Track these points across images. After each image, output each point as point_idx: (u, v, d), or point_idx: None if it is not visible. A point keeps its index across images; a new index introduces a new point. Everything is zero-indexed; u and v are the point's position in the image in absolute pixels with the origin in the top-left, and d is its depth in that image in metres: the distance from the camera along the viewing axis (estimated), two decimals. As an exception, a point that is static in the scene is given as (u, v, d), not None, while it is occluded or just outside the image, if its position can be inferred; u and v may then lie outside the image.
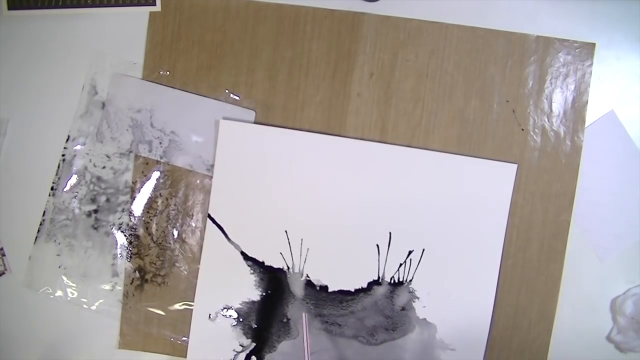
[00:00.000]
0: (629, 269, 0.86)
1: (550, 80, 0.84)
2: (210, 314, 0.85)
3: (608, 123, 0.85)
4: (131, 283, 0.86)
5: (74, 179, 0.86)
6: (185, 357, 0.86)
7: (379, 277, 0.84)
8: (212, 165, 0.85)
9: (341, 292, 0.85)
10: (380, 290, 0.85)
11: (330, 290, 0.85)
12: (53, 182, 0.86)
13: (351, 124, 0.84)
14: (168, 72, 0.85)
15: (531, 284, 0.85)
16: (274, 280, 0.85)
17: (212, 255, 0.85)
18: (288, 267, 0.85)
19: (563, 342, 0.85)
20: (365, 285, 0.85)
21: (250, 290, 0.85)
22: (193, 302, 0.86)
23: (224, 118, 0.84)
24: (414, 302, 0.84)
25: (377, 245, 0.84)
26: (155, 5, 0.85)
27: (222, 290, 0.85)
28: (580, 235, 0.85)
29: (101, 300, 0.86)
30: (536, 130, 0.84)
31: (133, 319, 0.86)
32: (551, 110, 0.84)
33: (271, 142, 0.84)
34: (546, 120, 0.84)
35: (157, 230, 0.86)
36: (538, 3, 0.85)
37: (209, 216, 0.85)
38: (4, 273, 0.87)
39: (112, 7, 0.85)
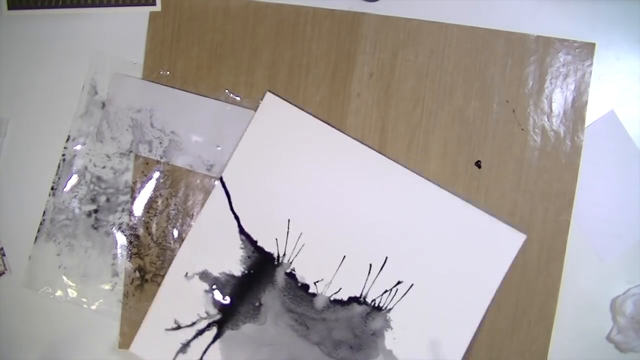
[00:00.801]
0: (629, 269, 0.86)
1: (550, 80, 0.84)
2: (187, 272, 0.85)
3: (608, 123, 0.85)
4: (131, 283, 0.86)
5: (74, 179, 0.86)
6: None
7: (361, 295, 0.84)
8: (212, 165, 0.85)
9: (320, 297, 0.85)
10: (357, 309, 0.84)
11: (310, 291, 0.84)
12: (53, 182, 0.86)
13: (351, 123, 0.84)
14: (168, 72, 0.85)
15: (531, 284, 0.85)
16: (260, 262, 0.84)
17: (210, 218, 0.85)
18: (278, 255, 0.84)
19: (563, 342, 0.85)
20: (345, 299, 0.84)
21: (234, 264, 0.85)
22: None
23: (225, 119, 0.84)
24: (386, 330, 0.84)
25: (370, 265, 0.84)
26: (155, 5, 0.85)
27: (206, 255, 0.85)
28: (580, 235, 0.85)
29: (101, 300, 0.86)
30: (536, 130, 0.84)
31: (133, 319, 0.86)
32: (551, 110, 0.84)
33: (304, 130, 0.84)
34: (546, 120, 0.84)
35: (157, 230, 0.86)
36: (538, 3, 0.85)
37: (221, 179, 0.84)
38: (4, 273, 0.87)
39: (112, 7, 0.85)
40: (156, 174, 0.86)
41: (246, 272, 0.85)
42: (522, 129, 0.84)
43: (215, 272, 0.85)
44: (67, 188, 0.86)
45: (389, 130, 0.84)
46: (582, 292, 0.85)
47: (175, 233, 0.86)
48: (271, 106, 0.84)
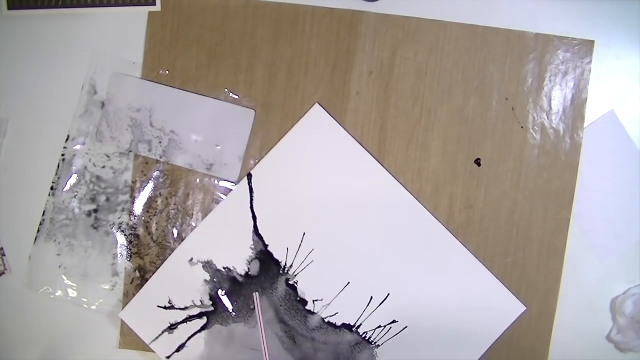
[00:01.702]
0: (629, 269, 0.86)
1: (549, 77, 0.84)
2: (192, 258, 0.85)
3: (608, 123, 0.85)
4: (131, 283, 0.86)
5: (73, 179, 0.86)
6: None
7: (354, 325, 0.85)
8: (212, 165, 0.85)
9: (315, 316, 0.85)
10: (348, 336, 0.85)
11: (307, 307, 0.85)
12: (53, 182, 0.86)
13: (350, 122, 0.85)
14: (167, 72, 0.85)
15: (531, 282, 0.85)
16: (265, 267, 0.85)
17: (229, 211, 0.85)
18: (285, 264, 0.85)
19: (563, 342, 0.85)
20: (339, 324, 0.85)
21: (240, 262, 0.85)
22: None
23: (225, 118, 0.84)
24: None
25: (371, 297, 0.84)
26: (155, 5, 0.85)
27: (216, 246, 0.85)
28: (580, 235, 0.85)
29: (101, 300, 0.86)
30: (536, 127, 0.84)
31: (133, 319, 0.86)
32: (551, 108, 0.84)
33: (340, 148, 0.84)
34: (545, 117, 0.84)
35: (157, 229, 0.86)
36: (538, 2, 0.85)
37: (249, 175, 0.85)
38: (4, 273, 0.87)
39: (111, 7, 0.85)
40: (156, 174, 0.86)
41: (250, 272, 0.85)
42: (522, 127, 0.84)
43: (220, 265, 0.85)
44: (67, 188, 0.86)
45: (388, 128, 0.84)
46: (582, 292, 0.85)
47: (175, 232, 0.86)
48: (316, 118, 0.85)
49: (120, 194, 0.86)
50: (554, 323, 0.85)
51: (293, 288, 0.85)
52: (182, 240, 0.86)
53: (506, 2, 0.85)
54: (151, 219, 0.86)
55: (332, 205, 0.84)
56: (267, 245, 0.85)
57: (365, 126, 0.85)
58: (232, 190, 0.85)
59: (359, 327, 0.84)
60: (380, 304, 0.84)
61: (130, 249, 0.86)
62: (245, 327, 0.85)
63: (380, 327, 0.84)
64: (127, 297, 0.86)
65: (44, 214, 0.86)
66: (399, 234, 0.84)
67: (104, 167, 0.86)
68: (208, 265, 0.85)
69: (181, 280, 0.85)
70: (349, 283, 0.84)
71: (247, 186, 0.85)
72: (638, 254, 0.86)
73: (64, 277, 0.86)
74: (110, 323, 0.87)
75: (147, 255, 0.86)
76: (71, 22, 0.86)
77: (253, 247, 0.85)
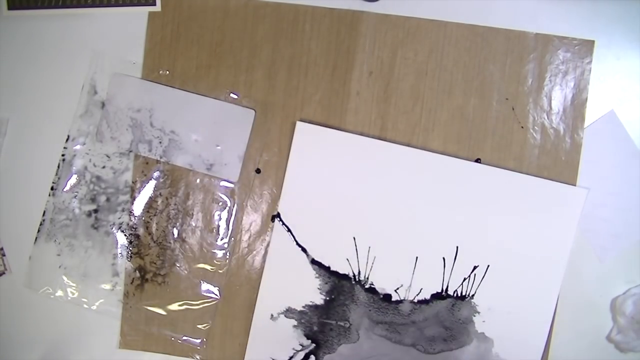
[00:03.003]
0: (629, 269, 0.86)
1: (549, 77, 0.84)
2: (272, 314, 0.85)
3: (608, 123, 0.85)
4: (131, 283, 0.86)
5: (74, 179, 0.86)
6: (186, 356, 0.86)
7: (442, 290, 0.85)
8: (212, 165, 0.85)
9: (404, 302, 0.85)
10: (442, 303, 0.85)
11: (393, 299, 0.85)
12: (53, 182, 0.86)
13: (350, 122, 0.85)
14: (167, 72, 0.85)
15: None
16: (338, 285, 0.85)
17: (278, 257, 0.85)
18: (354, 274, 0.85)
19: (563, 342, 0.85)
20: (428, 297, 0.85)
21: (314, 293, 0.85)
22: (193, 301, 0.86)
23: (225, 118, 0.84)
24: (474, 316, 0.85)
25: (443, 258, 0.84)
26: (155, 5, 0.85)
27: (285, 292, 0.85)
28: (580, 235, 0.85)
29: (101, 300, 0.86)
30: (536, 127, 0.84)
31: (133, 319, 0.86)
32: (551, 108, 0.84)
33: (345, 148, 0.84)
34: (546, 117, 0.84)
35: (157, 229, 0.86)
36: (538, 2, 0.85)
37: (279, 217, 0.85)
38: (4, 273, 0.87)
39: (111, 7, 0.85)
40: (156, 174, 0.86)
41: (327, 298, 0.85)
42: (522, 127, 0.84)
43: (299, 307, 0.85)
44: (67, 188, 0.86)
45: (388, 128, 0.84)
46: (582, 292, 0.85)
47: (175, 232, 0.86)
48: (304, 134, 0.85)
49: (120, 194, 0.86)
50: (554, 323, 0.85)
51: (372, 290, 0.85)
52: (183, 240, 0.86)
53: (506, 2, 0.85)
54: (151, 219, 0.86)
55: (363, 199, 0.84)
56: (328, 267, 0.85)
57: (365, 126, 0.85)
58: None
59: (447, 290, 0.85)
60: (455, 260, 0.84)
61: (130, 249, 0.86)
62: (349, 344, 0.85)
63: (465, 279, 0.84)
64: (127, 297, 0.86)
65: (44, 214, 0.86)
66: (431, 189, 0.84)
67: (104, 167, 0.86)
68: (289, 312, 0.85)
69: (273, 337, 0.85)
70: (417, 258, 0.84)
71: (283, 226, 0.85)
72: (638, 254, 0.86)
73: (64, 277, 0.86)
74: (110, 323, 0.86)
75: (147, 255, 0.86)
76: (71, 22, 0.86)
77: (317, 275, 0.85)
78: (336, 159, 0.84)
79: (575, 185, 0.84)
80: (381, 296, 0.85)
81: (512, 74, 0.84)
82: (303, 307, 0.85)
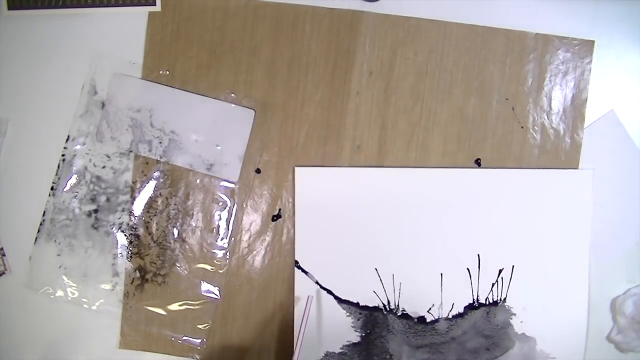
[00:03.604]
0: (629, 269, 0.86)
1: (549, 77, 0.84)
2: None
3: (608, 123, 0.85)
4: (132, 283, 0.86)
5: (74, 179, 0.86)
6: (186, 357, 0.86)
7: (474, 300, 0.85)
8: (212, 165, 0.85)
9: (439, 321, 0.85)
10: (477, 313, 0.85)
11: (428, 320, 0.85)
12: (53, 182, 0.86)
13: (350, 122, 0.85)
14: (167, 72, 0.85)
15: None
16: (371, 319, 0.85)
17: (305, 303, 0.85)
18: (384, 304, 0.85)
19: (564, 341, 0.85)
20: (462, 310, 0.85)
21: (349, 332, 0.85)
22: (193, 301, 0.86)
23: (225, 118, 0.84)
24: (511, 318, 0.85)
25: (468, 269, 0.85)
26: (155, 5, 0.85)
27: (320, 337, 0.85)
28: (581, 235, 0.85)
29: (102, 300, 0.86)
30: (536, 127, 0.84)
31: (133, 319, 0.86)
32: (550, 108, 0.84)
33: (350, 183, 0.84)
34: (546, 117, 0.84)
35: (157, 229, 0.86)
36: (538, 2, 0.85)
37: (297, 265, 0.85)
38: (4, 273, 0.87)
39: (112, 7, 0.85)
40: (156, 174, 0.86)
41: (363, 333, 0.85)
42: (522, 127, 0.84)
43: (337, 349, 0.85)
44: (67, 188, 0.86)
45: (388, 128, 0.84)
46: (583, 292, 0.85)
47: (176, 232, 0.86)
48: (305, 178, 0.85)
49: (120, 194, 0.86)
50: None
51: (405, 316, 0.85)
52: (183, 240, 0.86)
53: (506, 2, 0.85)
54: (151, 219, 0.86)
55: (376, 228, 0.85)
56: (357, 304, 0.85)
57: (365, 126, 0.85)
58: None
59: (478, 299, 0.85)
60: (479, 268, 0.84)
61: (130, 249, 0.86)
62: None
63: (493, 284, 0.85)
64: (127, 297, 0.86)
65: (44, 214, 0.86)
66: (441, 204, 0.84)
67: (104, 167, 0.86)
68: (328, 357, 0.85)
69: None
70: (442, 274, 0.84)
71: (302, 272, 0.85)
72: (638, 254, 0.86)
73: (64, 277, 0.86)
74: (110, 323, 0.86)
75: (147, 255, 0.86)
76: (71, 22, 0.86)
77: (348, 314, 0.85)
78: (341, 195, 0.85)
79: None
80: (415, 320, 0.85)
81: (512, 74, 0.84)
82: (341, 348, 0.85)
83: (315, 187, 0.85)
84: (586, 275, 0.84)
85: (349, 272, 0.85)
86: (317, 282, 0.85)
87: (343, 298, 0.85)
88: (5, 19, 0.86)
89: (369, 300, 0.85)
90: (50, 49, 0.86)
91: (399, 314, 0.85)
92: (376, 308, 0.85)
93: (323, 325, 0.85)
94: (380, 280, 0.84)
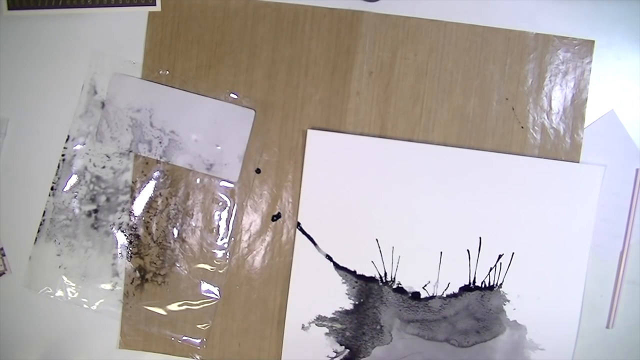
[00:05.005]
0: (629, 269, 0.86)
1: (549, 77, 0.84)
2: (303, 324, 0.85)
3: (608, 123, 0.85)
4: (131, 283, 0.86)
5: (73, 179, 0.86)
6: (186, 357, 0.86)
7: (470, 282, 0.85)
8: (212, 165, 0.85)
9: (433, 298, 0.85)
10: (471, 295, 0.85)
11: (422, 296, 0.85)
12: (53, 182, 0.86)
13: (350, 122, 0.85)
14: (167, 72, 0.85)
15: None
16: (366, 289, 0.85)
17: (303, 266, 0.85)
18: (380, 276, 0.85)
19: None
20: (457, 291, 0.85)
21: (342, 299, 0.85)
22: (193, 301, 0.86)
23: (225, 118, 0.84)
24: (504, 305, 0.85)
25: (468, 251, 0.85)
26: (155, 5, 0.85)
27: (314, 301, 0.85)
28: (581, 234, 0.85)
29: (101, 300, 0.86)
30: (536, 127, 0.84)
31: (133, 319, 0.86)
32: (551, 108, 0.84)
33: (359, 151, 0.84)
34: (546, 117, 0.84)
35: (157, 229, 0.86)
36: (538, 2, 0.85)
37: (299, 227, 0.85)
38: (4, 273, 0.87)
39: (112, 7, 0.85)
40: (156, 174, 0.86)
41: (357, 302, 0.85)
42: (522, 127, 0.84)
43: (329, 313, 0.85)
44: (67, 188, 0.86)
45: (388, 128, 0.84)
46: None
47: (175, 232, 0.86)
48: (316, 141, 0.85)
49: (120, 194, 0.86)
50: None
51: (400, 290, 0.85)
52: (182, 240, 0.86)
53: (506, 2, 0.85)
54: (151, 219, 0.86)
55: (381, 199, 0.85)
56: (354, 272, 0.85)
57: (365, 126, 0.85)
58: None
59: (474, 281, 0.85)
60: (479, 251, 0.84)
61: (130, 249, 0.86)
62: (383, 345, 0.86)
63: (491, 268, 0.85)
64: (127, 297, 0.86)
65: (44, 214, 0.86)
66: (446, 182, 0.84)
67: (104, 167, 0.86)
68: (319, 320, 0.85)
69: (306, 347, 0.86)
70: (441, 253, 0.85)
71: (304, 235, 0.85)
72: (638, 254, 0.86)
73: (64, 277, 0.86)
74: (110, 323, 0.87)
75: (147, 255, 0.86)
76: (71, 22, 0.86)
77: (344, 280, 0.85)
78: (350, 162, 0.84)
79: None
80: (410, 295, 0.85)
81: (512, 74, 0.84)
82: (333, 313, 0.85)
83: (326, 151, 0.85)
84: (584, 271, 0.84)
85: (350, 239, 0.85)
86: (316, 246, 0.85)
87: (341, 265, 0.85)
88: (5, 19, 0.86)
89: (366, 269, 0.85)
90: (50, 49, 0.86)
91: (394, 287, 0.85)
92: (372, 278, 0.85)
93: (318, 289, 0.85)
94: (380, 251, 0.85)
